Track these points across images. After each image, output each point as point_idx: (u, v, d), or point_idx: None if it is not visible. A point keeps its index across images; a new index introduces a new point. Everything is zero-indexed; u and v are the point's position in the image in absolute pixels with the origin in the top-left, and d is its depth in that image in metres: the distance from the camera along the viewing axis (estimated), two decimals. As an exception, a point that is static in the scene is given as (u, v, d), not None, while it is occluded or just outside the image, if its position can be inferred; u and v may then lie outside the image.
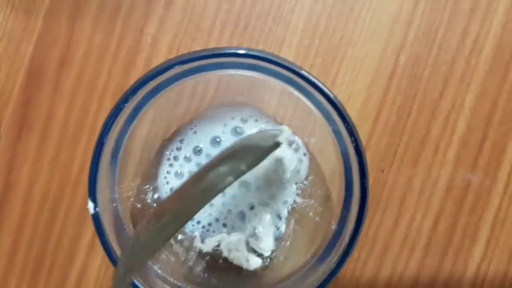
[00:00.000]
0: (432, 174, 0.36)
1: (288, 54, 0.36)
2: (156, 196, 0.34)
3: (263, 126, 0.34)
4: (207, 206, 0.33)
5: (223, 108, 0.34)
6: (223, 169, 0.25)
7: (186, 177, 0.34)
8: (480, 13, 0.36)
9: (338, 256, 0.29)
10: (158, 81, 0.28)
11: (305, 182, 0.34)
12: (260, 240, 0.33)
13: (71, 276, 0.37)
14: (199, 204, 0.25)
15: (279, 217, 0.34)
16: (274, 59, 0.27)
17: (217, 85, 0.35)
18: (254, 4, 0.36)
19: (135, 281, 0.28)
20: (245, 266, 0.33)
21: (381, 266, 0.37)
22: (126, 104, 0.27)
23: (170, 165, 0.34)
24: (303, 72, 0.27)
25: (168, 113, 0.33)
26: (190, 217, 0.26)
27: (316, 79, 0.28)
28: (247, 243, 0.33)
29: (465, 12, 0.36)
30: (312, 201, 0.34)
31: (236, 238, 0.33)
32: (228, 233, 0.34)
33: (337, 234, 0.30)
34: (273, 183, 0.34)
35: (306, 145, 0.34)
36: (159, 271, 0.31)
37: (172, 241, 0.33)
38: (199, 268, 0.33)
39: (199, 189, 0.26)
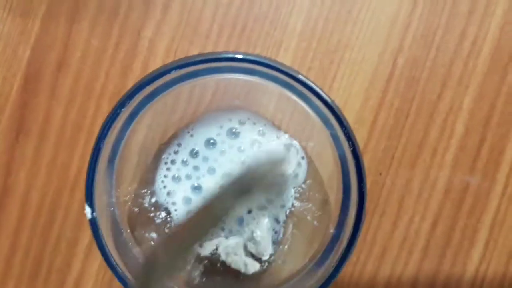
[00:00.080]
0: (430, 176, 0.36)
1: (285, 57, 0.36)
2: (153, 200, 0.33)
3: (260, 129, 0.34)
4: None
5: (220, 111, 0.34)
6: (229, 203, 0.27)
7: (183, 180, 0.34)
8: (478, 15, 0.36)
9: (336, 259, 0.29)
10: (154, 85, 0.28)
11: (303, 185, 0.34)
12: (258, 244, 0.33)
13: (69, 279, 0.37)
14: (207, 230, 0.28)
15: (277, 221, 0.34)
16: (271, 63, 0.27)
17: (214, 89, 0.35)
18: (251, 7, 0.36)
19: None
20: (243, 270, 0.33)
21: (379, 268, 0.37)
22: (122, 110, 0.27)
23: (168, 169, 0.34)
24: (300, 76, 0.27)
25: (165, 118, 0.33)
26: (199, 241, 0.28)
27: (313, 83, 0.28)
28: (245, 247, 0.33)
29: (463, 14, 0.36)
30: (310, 205, 0.34)
31: (234, 242, 0.33)
32: (226, 237, 0.34)
33: (335, 237, 0.30)
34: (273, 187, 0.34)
35: (304, 149, 0.34)
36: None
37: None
38: (197, 272, 0.33)
39: (209, 218, 0.28)
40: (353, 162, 0.28)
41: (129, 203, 0.32)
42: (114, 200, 0.29)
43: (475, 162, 0.36)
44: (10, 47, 0.36)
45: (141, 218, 0.33)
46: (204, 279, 0.33)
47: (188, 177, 0.33)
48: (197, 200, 0.33)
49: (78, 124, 0.36)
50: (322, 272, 0.29)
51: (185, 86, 0.29)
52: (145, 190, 0.33)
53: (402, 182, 0.36)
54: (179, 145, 0.34)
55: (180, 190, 0.33)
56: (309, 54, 0.36)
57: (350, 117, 0.36)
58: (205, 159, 0.34)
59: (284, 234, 0.34)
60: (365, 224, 0.36)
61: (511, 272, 0.37)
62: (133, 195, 0.33)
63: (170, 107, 0.34)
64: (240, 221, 0.34)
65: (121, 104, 0.27)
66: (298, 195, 0.34)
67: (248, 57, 0.27)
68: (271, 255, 0.33)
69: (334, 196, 0.31)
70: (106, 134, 0.27)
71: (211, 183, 0.33)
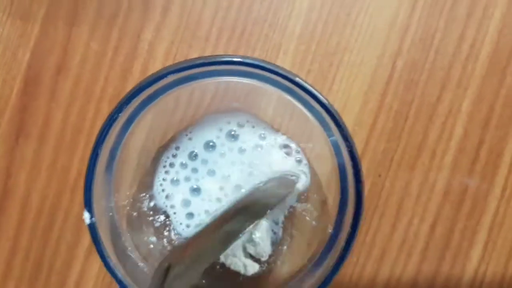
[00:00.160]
0: (429, 178, 0.36)
1: (284, 60, 0.36)
2: (152, 204, 0.34)
3: (260, 132, 0.34)
4: (203, 214, 0.33)
5: (219, 114, 0.34)
6: (236, 226, 0.29)
7: (181, 183, 0.34)
8: (476, 18, 0.36)
9: (334, 260, 0.29)
10: (153, 88, 0.28)
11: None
12: (257, 245, 0.33)
13: (69, 282, 0.37)
14: (216, 253, 0.29)
15: (276, 222, 0.34)
16: (269, 66, 0.27)
17: (213, 92, 0.35)
18: (250, 10, 0.36)
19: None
20: (242, 271, 0.33)
21: (378, 270, 0.37)
22: (120, 114, 0.27)
23: (166, 172, 0.34)
24: (298, 79, 0.27)
25: (164, 121, 0.33)
26: (207, 264, 0.28)
27: (311, 86, 0.28)
28: (244, 249, 0.33)
29: (461, 17, 0.36)
30: (309, 206, 0.34)
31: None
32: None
33: (334, 237, 0.30)
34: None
35: (303, 150, 0.34)
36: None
37: (169, 246, 0.33)
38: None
39: (216, 240, 0.30)
40: (351, 163, 0.28)
41: (128, 207, 0.32)
42: (112, 204, 0.29)
43: (474, 165, 0.37)
44: (10, 50, 0.36)
45: (140, 222, 0.33)
46: (203, 281, 0.33)
47: (187, 179, 0.33)
48: (196, 202, 0.33)
49: (78, 127, 0.36)
50: (321, 272, 0.29)
51: (184, 89, 0.29)
52: (144, 194, 0.33)
53: (401, 184, 0.36)
54: (177, 148, 0.34)
55: (178, 193, 0.33)
56: (308, 57, 0.36)
57: (349, 119, 0.36)
58: (204, 161, 0.34)
59: (283, 235, 0.34)
60: (364, 226, 0.36)
61: (510, 273, 0.37)
62: (131, 199, 0.33)
63: (170, 110, 0.34)
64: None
65: (118, 109, 0.27)
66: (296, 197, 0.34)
67: (246, 61, 0.27)
68: (270, 256, 0.33)
69: (333, 197, 0.31)
70: (103, 140, 0.27)
71: (210, 185, 0.33)
